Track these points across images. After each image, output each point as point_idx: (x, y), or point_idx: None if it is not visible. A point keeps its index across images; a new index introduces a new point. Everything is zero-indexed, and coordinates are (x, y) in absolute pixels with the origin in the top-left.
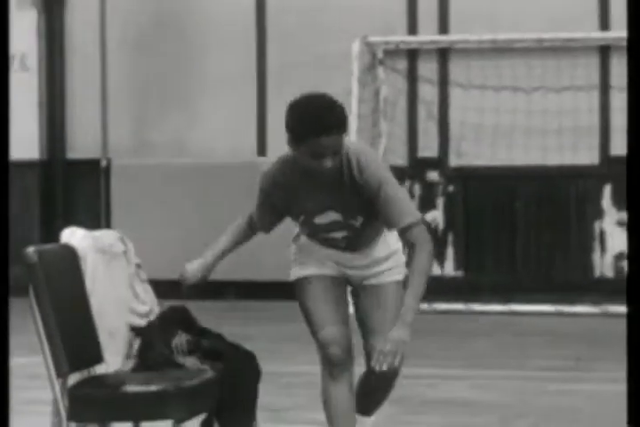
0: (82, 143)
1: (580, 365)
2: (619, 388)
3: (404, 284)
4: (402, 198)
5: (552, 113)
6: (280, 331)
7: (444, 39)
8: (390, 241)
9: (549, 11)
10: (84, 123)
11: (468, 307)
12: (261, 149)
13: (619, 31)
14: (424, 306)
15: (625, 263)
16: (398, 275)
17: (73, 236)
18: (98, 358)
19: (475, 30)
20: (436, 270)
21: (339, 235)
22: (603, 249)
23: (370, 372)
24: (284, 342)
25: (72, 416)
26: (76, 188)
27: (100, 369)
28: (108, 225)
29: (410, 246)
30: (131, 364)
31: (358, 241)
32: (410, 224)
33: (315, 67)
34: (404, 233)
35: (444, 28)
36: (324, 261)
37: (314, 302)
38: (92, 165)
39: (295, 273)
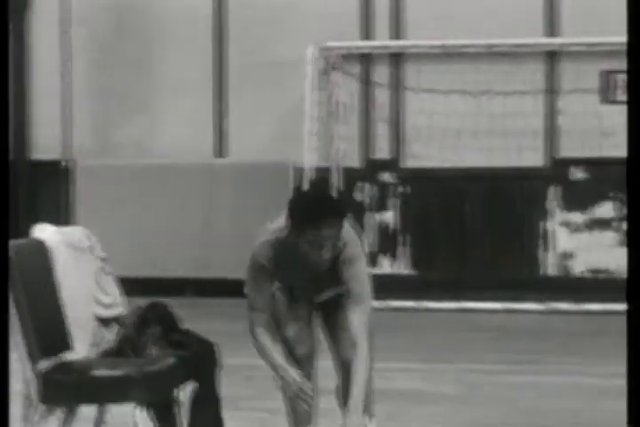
0: (45, 144)
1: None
2: (565, 380)
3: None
4: (363, 300)
5: (499, 116)
6: (239, 327)
7: (396, 44)
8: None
9: (498, 17)
10: (47, 125)
11: (419, 304)
12: (219, 151)
13: (565, 37)
14: (377, 304)
15: (569, 262)
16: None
17: (43, 231)
18: (67, 345)
19: (426, 36)
20: (389, 269)
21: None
22: (548, 248)
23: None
24: (244, 337)
25: (43, 399)
26: (40, 188)
27: (68, 356)
28: (69, 225)
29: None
30: (97, 351)
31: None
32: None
33: (272, 70)
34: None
35: (396, 33)
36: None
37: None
38: (55, 165)
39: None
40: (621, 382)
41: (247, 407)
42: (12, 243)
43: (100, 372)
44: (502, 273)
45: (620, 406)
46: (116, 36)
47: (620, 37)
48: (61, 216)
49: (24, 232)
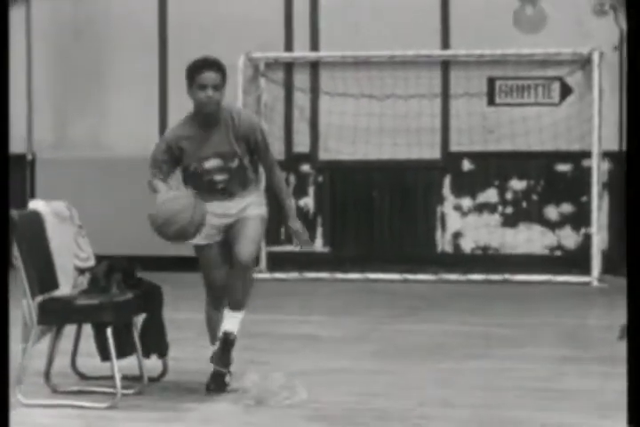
0: (10, 139)
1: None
2: (436, 326)
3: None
4: (267, 145)
5: (401, 116)
6: (185, 292)
7: (313, 55)
8: (257, 196)
9: (400, 31)
10: (11, 121)
11: (332, 275)
12: None
13: (456, 49)
14: (296, 275)
15: (460, 240)
16: (257, 210)
17: (37, 204)
18: (55, 285)
19: (339, 47)
20: (308, 247)
21: (220, 177)
22: (443, 229)
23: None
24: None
25: (39, 322)
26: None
27: (56, 293)
28: None
29: (269, 170)
30: (76, 291)
31: (234, 184)
32: (271, 160)
33: None
34: (267, 164)
35: (314, 45)
36: (211, 228)
37: (207, 265)
38: (19, 158)
39: (194, 241)
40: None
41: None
42: (14, 212)
43: (81, 301)
44: (404, 250)
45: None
46: (73, 43)
47: (502, 49)
48: (27, 200)
49: None
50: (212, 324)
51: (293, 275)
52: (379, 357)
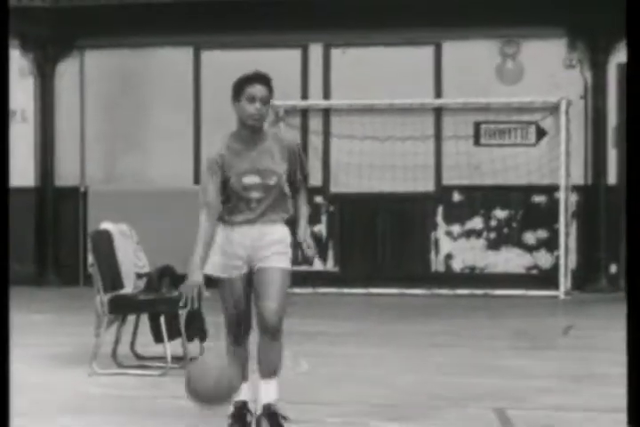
0: (66, 174)
1: (400, 319)
2: (431, 328)
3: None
4: (305, 167)
5: (400, 155)
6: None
7: (326, 103)
8: (285, 230)
9: (399, 83)
10: (67, 159)
11: (340, 291)
12: (197, 179)
13: (447, 98)
14: (309, 290)
15: (450, 261)
16: (285, 262)
17: (107, 225)
18: (121, 286)
19: (347, 96)
20: (320, 267)
21: (256, 195)
22: (436, 251)
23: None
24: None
25: (110, 311)
26: (62, 207)
27: (122, 291)
28: (84, 236)
29: (300, 192)
30: (136, 290)
31: (267, 204)
32: (306, 183)
33: (235, 120)
34: (297, 186)
35: (326, 94)
36: (236, 259)
37: (229, 301)
38: (74, 190)
39: (216, 271)
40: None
41: None
42: (91, 231)
43: (141, 297)
44: (402, 269)
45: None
46: (120, 93)
47: (487, 98)
48: (80, 226)
49: (51, 237)
50: (238, 359)
51: (308, 290)
52: (367, 344)
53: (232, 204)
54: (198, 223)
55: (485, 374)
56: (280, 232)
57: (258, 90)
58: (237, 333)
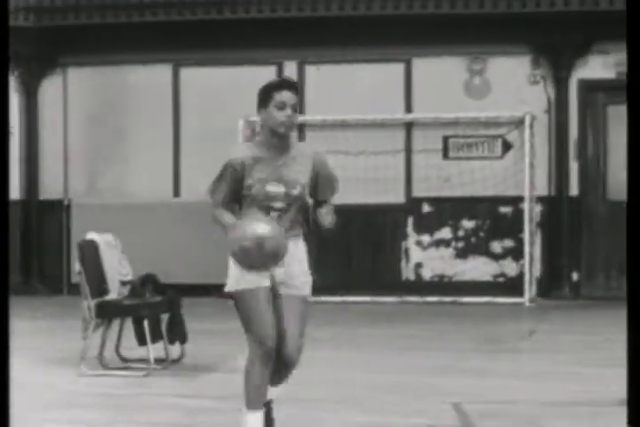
0: (50, 187)
1: (373, 324)
2: (401, 331)
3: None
4: (332, 181)
5: (372, 168)
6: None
7: (300, 118)
8: (304, 247)
9: (370, 99)
10: (51, 173)
11: (316, 299)
12: (175, 192)
13: (417, 113)
14: None
15: (420, 270)
16: (307, 291)
17: (93, 235)
18: (107, 292)
19: (320, 112)
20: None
21: (279, 204)
22: (407, 260)
23: (279, 354)
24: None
25: (97, 315)
26: (46, 219)
27: (107, 297)
28: (68, 246)
29: (319, 206)
30: (121, 296)
31: (288, 216)
32: (333, 194)
33: (213, 135)
34: (322, 201)
35: (301, 109)
36: (257, 274)
37: (256, 310)
38: (57, 203)
39: (240, 285)
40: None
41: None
42: (79, 241)
43: (126, 302)
44: (374, 277)
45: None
46: (101, 110)
47: (455, 113)
48: (63, 237)
49: (36, 248)
50: (259, 382)
51: None
52: (342, 348)
53: (251, 214)
54: (213, 221)
55: (449, 374)
56: (302, 249)
57: (287, 96)
58: (269, 350)
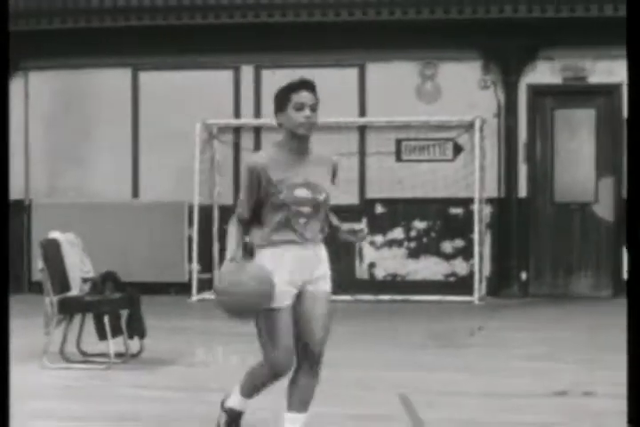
0: (12, 188)
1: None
2: (350, 329)
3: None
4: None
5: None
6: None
7: (257, 121)
8: (325, 250)
9: (326, 102)
10: (13, 174)
11: None
12: (134, 193)
13: (370, 117)
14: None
15: (374, 269)
16: (328, 285)
17: (55, 234)
18: (68, 289)
19: None
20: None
21: (306, 210)
22: (360, 260)
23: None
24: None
25: (59, 311)
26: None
27: (69, 294)
28: (29, 246)
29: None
30: (82, 293)
31: (314, 222)
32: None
33: (172, 137)
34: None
35: (257, 113)
36: (290, 285)
37: (276, 333)
38: (18, 203)
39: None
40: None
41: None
42: (42, 239)
43: (87, 298)
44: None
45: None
46: (63, 111)
47: (407, 117)
48: (24, 237)
49: None
50: (259, 386)
51: None
52: None
53: (279, 221)
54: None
55: (400, 368)
56: (324, 252)
57: (305, 97)
58: (280, 374)
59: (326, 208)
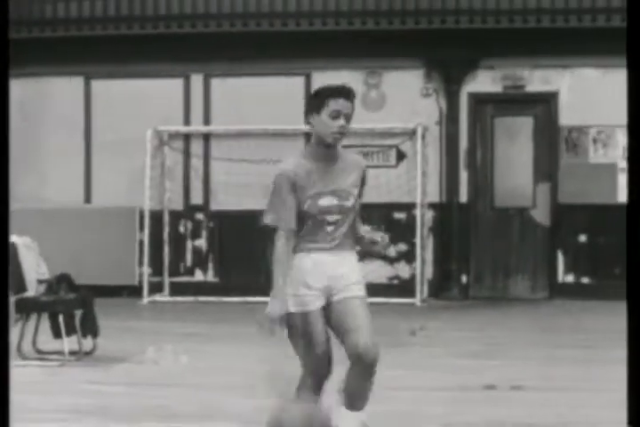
0: None
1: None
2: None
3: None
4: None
5: (273, 176)
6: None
7: (206, 128)
8: (356, 258)
9: (272, 111)
10: None
11: (219, 299)
12: (87, 198)
13: None
14: (191, 298)
15: None
16: (362, 291)
17: (13, 238)
18: (25, 289)
19: (225, 122)
20: (201, 277)
21: (333, 218)
22: None
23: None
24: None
25: (16, 311)
26: None
27: (26, 294)
28: None
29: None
30: (38, 293)
31: (342, 229)
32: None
33: (123, 143)
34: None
35: (207, 120)
36: (315, 290)
37: (310, 335)
38: None
39: (292, 307)
40: None
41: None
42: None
43: (42, 299)
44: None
45: None
46: (18, 119)
47: (353, 124)
48: None
49: None
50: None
51: (189, 299)
52: (233, 342)
53: (306, 229)
54: (274, 250)
55: (342, 364)
56: (355, 260)
57: (342, 105)
58: (324, 374)
59: (355, 214)
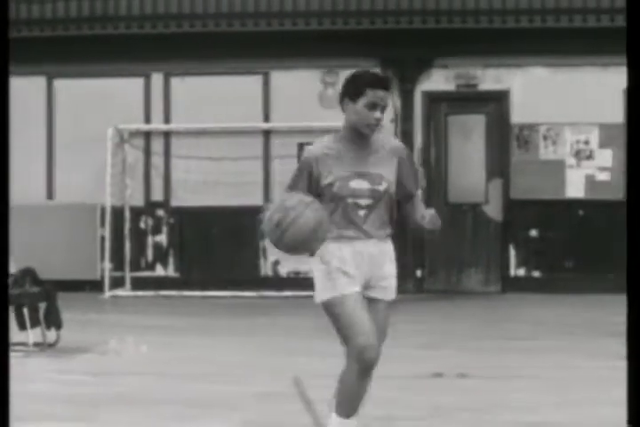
0: None
1: (228, 314)
2: (253, 321)
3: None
4: (416, 174)
5: (232, 173)
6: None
7: (167, 126)
8: (392, 248)
9: (232, 109)
10: None
11: (180, 293)
12: (49, 195)
13: (274, 122)
14: (152, 293)
15: (278, 267)
16: (393, 295)
17: None
18: None
19: (186, 121)
20: (162, 272)
21: (364, 202)
22: (265, 258)
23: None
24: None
25: None
26: None
27: None
28: None
29: (406, 202)
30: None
31: (374, 215)
32: (417, 187)
33: (85, 141)
34: (410, 196)
35: (167, 118)
36: (351, 273)
37: (353, 315)
38: None
39: (332, 292)
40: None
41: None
42: None
43: (12, 291)
44: (235, 274)
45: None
46: None
47: (310, 122)
48: None
49: None
50: (354, 395)
51: (150, 293)
52: (205, 335)
53: (338, 214)
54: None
55: (293, 354)
56: (392, 252)
57: (380, 96)
58: (372, 360)
59: (389, 199)
